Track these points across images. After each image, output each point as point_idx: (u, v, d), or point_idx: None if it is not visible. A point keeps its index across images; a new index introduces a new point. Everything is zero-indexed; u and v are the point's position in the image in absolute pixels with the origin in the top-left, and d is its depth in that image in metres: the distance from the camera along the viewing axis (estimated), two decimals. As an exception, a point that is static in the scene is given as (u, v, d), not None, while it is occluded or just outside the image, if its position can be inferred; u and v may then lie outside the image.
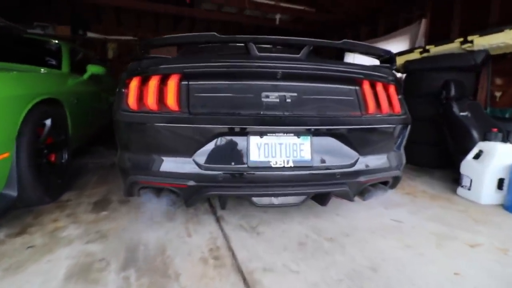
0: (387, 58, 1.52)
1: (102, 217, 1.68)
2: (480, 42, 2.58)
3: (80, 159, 2.92)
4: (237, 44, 1.31)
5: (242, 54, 1.31)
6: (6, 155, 1.42)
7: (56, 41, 2.70)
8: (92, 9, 5.88)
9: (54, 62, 2.47)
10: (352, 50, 1.62)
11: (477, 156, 2.12)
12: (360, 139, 1.37)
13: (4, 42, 2.53)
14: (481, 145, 2.14)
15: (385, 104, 1.43)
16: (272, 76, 1.29)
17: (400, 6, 4.41)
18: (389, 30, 4.57)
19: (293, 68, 1.28)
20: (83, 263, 1.23)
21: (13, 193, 1.50)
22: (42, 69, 2.24)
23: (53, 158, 1.97)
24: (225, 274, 1.19)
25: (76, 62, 2.82)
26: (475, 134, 2.31)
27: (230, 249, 1.37)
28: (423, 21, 3.88)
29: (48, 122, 1.84)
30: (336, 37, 5.88)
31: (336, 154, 1.34)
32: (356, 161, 1.37)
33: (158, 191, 1.37)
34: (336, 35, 5.91)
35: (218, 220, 1.67)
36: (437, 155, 2.95)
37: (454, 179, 2.48)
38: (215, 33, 1.19)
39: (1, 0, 4.73)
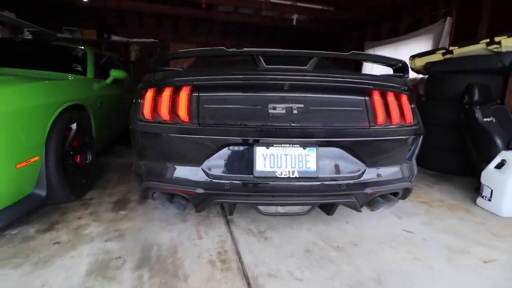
0: (400, 67, 1.48)
1: (121, 217, 1.80)
2: (509, 43, 2.43)
3: (105, 159, 3.10)
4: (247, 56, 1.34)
5: (250, 66, 1.34)
6: (36, 158, 1.56)
7: (82, 48, 2.87)
8: (116, 14, 6.17)
9: (80, 68, 2.64)
10: (362, 60, 1.60)
11: (499, 166, 2.02)
12: (367, 151, 1.36)
13: (36, 49, 2.75)
14: (504, 154, 2.03)
15: (396, 114, 1.40)
16: (279, 88, 1.31)
17: (425, 2, 4.21)
18: (413, 28, 4.38)
19: (300, 80, 1.30)
20: (102, 261, 1.33)
21: (43, 192, 1.65)
22: (70, 76, 2.41)
23: (78, 159, 2.12)
24: (231, 277, 1.24)
25: (100, 66, 2.99)
26: (498, 141, 2.19)
27: (238, 253, 1.43)
28: (448, 20, 3.69)
29: (74, 126, 1.98)
30: (356, 36, 5.73)
31: (343, 165, 1.35)
32: (363, 172, 1.37)
33: (171, 196, 1.45)
34: (356, 33, 5.73)
35: (228, 223, 1.73)
36: (459, 161, 2.83)
37: (475, 188, 2.37)
38: (223, 48, 1.24)
39: (33, 8, 5.12)
